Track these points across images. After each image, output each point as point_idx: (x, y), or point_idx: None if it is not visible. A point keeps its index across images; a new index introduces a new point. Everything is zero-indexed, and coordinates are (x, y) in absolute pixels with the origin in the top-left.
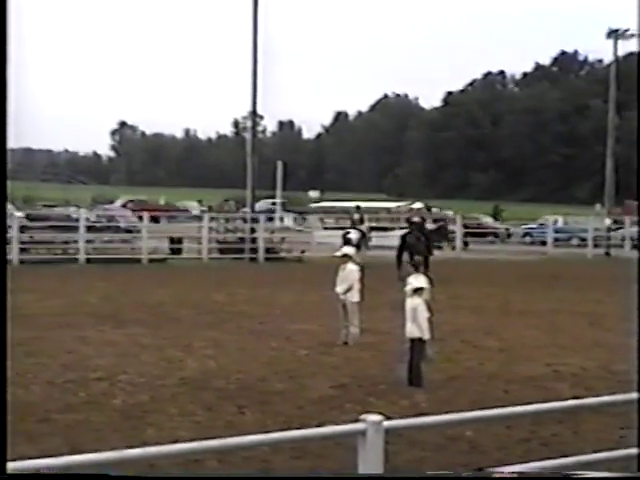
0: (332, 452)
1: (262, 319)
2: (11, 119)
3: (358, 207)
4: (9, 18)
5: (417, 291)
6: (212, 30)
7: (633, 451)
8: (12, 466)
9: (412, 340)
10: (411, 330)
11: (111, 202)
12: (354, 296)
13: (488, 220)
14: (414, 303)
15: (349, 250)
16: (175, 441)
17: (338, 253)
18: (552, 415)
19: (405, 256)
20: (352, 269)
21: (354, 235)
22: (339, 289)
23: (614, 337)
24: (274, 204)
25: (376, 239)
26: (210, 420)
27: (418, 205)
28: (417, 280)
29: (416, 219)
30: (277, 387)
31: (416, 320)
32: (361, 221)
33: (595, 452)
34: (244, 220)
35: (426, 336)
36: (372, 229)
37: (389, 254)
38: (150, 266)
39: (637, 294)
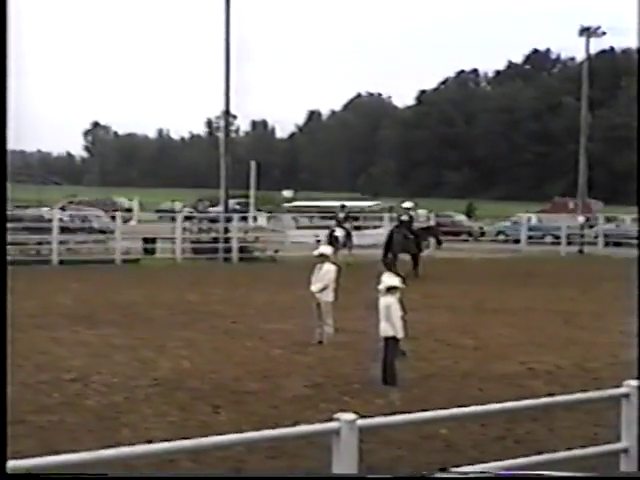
0: (307, 451)
1: (236, 319)
2: None
3: (343, 206)
4: (9, 18)
5: (390, 290)
6: (184, 30)
7: (607, 448)
8: None
9: (386, 339)
10: (385, 329)
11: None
12: (329, 295)
13: (462, 218)
14: (387, 302)
15: (326, 249)
16: (149, 441)
17: (316, 252)
18: (527, 413)
19: (390, 254)
20: (329, 269)
21: (340, 233)
22: (314, 288)
23: (588, 335)
24: (240, 204)
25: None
26: (184, 420)
27: (408, 204)
28: (390, 279)
29: (404, 217)
30: (251, 387)
31: (390, 319)
32: (346, 220)
33: (569, 449)
34: (214, 220)
35: (400, 335)
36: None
37: (363, 253)
38: (124, 267)
39: (637, 293)
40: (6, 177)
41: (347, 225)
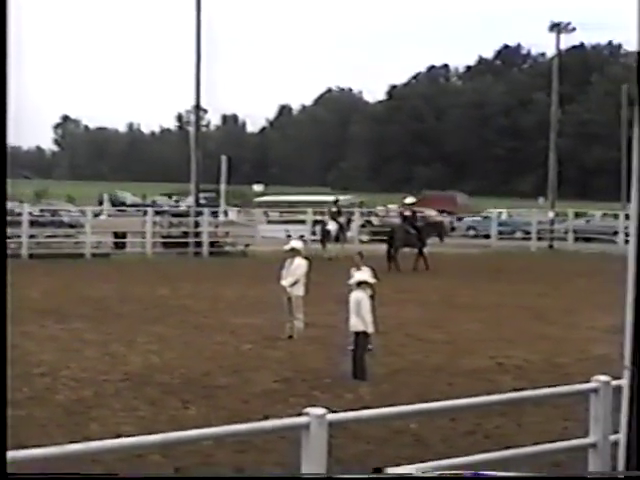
0: (276, 446)
1: (206, 313)
2: None
3: (337, 200)
4: (9, 18)
5: (361, 284)
6: (155, 24)
7: (575, 443)
8: None
9: (356, 333)
10: (355, 323)
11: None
12: (299, 290)
13: (432, 213)
14: (358, 296)
15: (297, 244)
16: (118, 436)
17: (287, 247)
18: (496, 408)
19: (393, 248)
20: (300, 263)
21: (332, 227)
22: (285, 282)
23: (558, 330)
24: (209, 199)
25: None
26: (154, 415)
27: (410, 200)
28: (361, 273)
29: (407, 212)
30: (221, 381)
31: (360, 313)
32: (339, 214)
33: (538, 444)
34: (184, 215)
35: (370, 329)
36: (317, 222)
37: (331, 247)
38: (93, 261)
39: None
40: (6, 176)
41: (341, 219)
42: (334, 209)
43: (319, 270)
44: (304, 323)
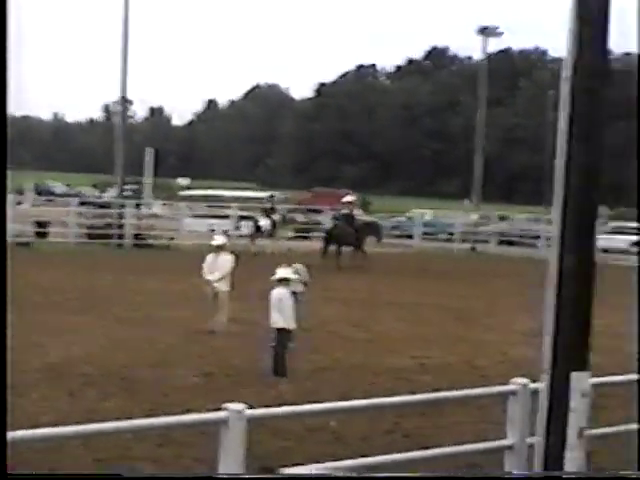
0: (196, 440)
1: (129, 306)
2: None
3: (272, 196)
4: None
5: (283, 281)
6: (82, 12)
7: (493, 444)
8: None
9: (278, 330)
10: (276, 320)
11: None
12: (225, 285)
13: (357, 212)
14: (280, 293)
15: (222, 239)
16: (36, 426)
17: (213, 242)
18: (415, 407)
19: (332, 247)
20: (227, 258)
21: (264, 222)
22: (212, 277)
23: (478, 332)
24: (131, 191)
25: (245, 228)
26: (73, 406)
27: (350, 198)
28: (283, 270)
29: (346, 211)
30: (142, 375)
31: (281, 310)
32: (272, 210)
33: (457, 445)
34: (106, 206)
35: (291, 326)
36: (242, 218)
37: (257, 243)
38: (13, 249)
39: (637, 297)
40: (6, 175)
41: (275, 216)
42: (268, 205)
43: (244, 266)
44: (227, 318)
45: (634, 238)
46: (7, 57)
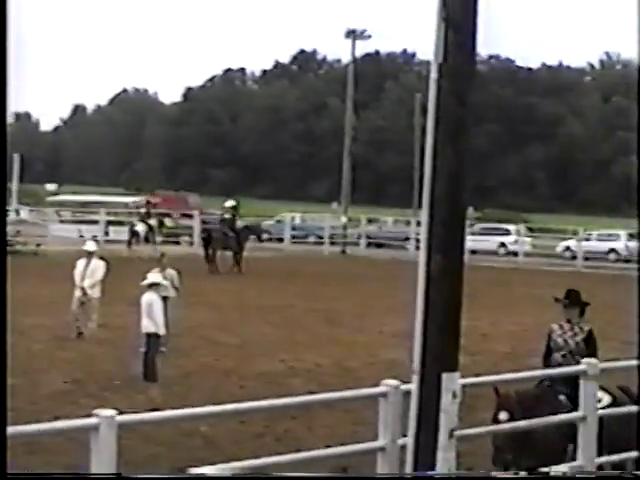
0: (66, 447)
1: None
2: None
3: (148, 202)
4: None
5: (153, 286)
6: None
7: (364, 446)
8: None
9: (148, 335)
10: (147, 325)
11: None
12: (96, 291)
13: (227, 217)
14: (150, 298)
15: (92, 246)
16: None
17: (85, 248)
18: (286, 410)
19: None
20: (99, 264)
21: (141, 228)
22: (86, 284)
23: (348, 334)
24: None
25: (114, 233)
26: None
27: (230, 203)
28: (153, 275)
29: (227, 216)
30: (9, 382)
31: (152, 315)
32: (148, 215)
33: (328, 447)
34: None
35: (162, 331)
36: (110, 223)
37: (125, 248)
38: None
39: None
40: (6, 178)
41: (152, 221)
42: (144, 210)
43: (117, 271)
44: (97, 324)
45: (502, 239)
46: (7, 56)
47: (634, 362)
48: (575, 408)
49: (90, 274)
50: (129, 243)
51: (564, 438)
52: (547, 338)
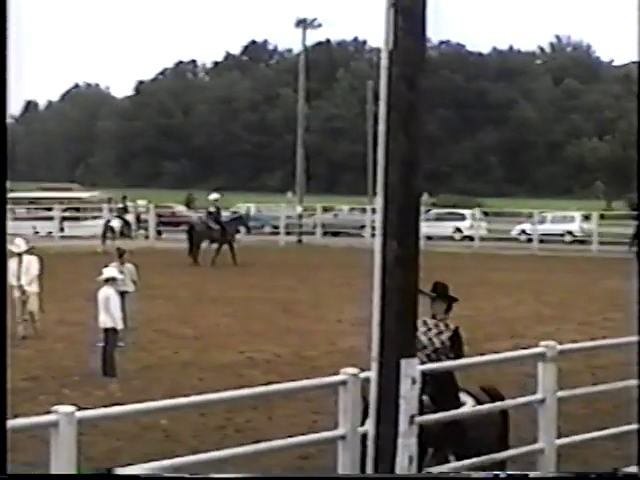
0: (26, 445)
1: None
2: None
3: (124, 197)
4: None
5: (109, 281)
6: None
7: (325, 435)
8: None
9: (105, 330)
10: (104, 320)
11: None
12: (35, 287)
13: (182, 209)
14: (107, 293)
15: (21, 244)
16: None
17: (14, 249)
18: (246, 402)
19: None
20: (31, 260)
21: (116, 223)
22: (23, 281)
23: (307, 323)
24: None
25: (69, 229)
26: None
27: (214, 196)
28: (109, 270)
29: (212, 209)
30: None
31: (108, 310)
32: (125, 210)
33: (289, 437)
34: None
35: (119, 326)
36: (65, 219)
37: (82, 244)
38: None
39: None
40: (6, 177)
41: (128, 216)
42: (120, 205)
43: (76, 266)
44: (39, 321)
45: (457, 224)
46: (7, 56)
47: (590, 343)
48: (438, 409)
49: (25, 271)
50: (104, 238)
51: (425, 442)
52: None
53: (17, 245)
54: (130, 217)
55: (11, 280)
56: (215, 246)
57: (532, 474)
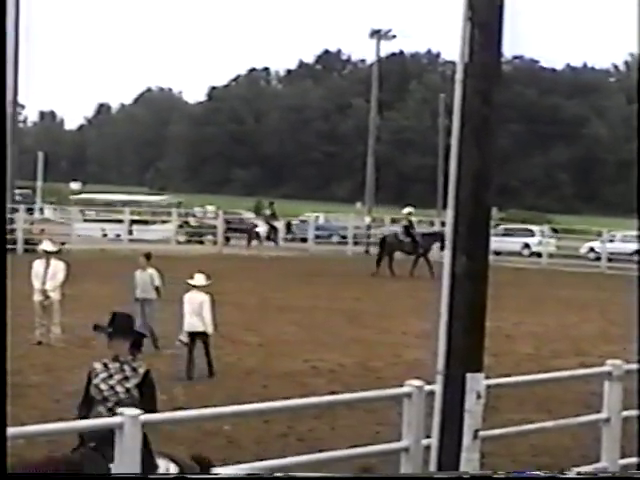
0: None
1: (19, 311)
2: None
3: (272, 203)
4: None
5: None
6: None
7: (388, 446)
8: None
9: (193, 333)
10: (194, 323)
11: None
12: (57, 294)
13: (250, 216)
14: (201, 298)
15: (49, 246)
16: None
17: (42, 248)
18: (309, 410)
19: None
20: (59, 266)
21: (262, 229)
22: (48, 286)
23: (372, 334)
24: (21, 196)
25: (137, 232)
26: None
27: (408, 210)
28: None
29: (404, 222)
30: (33, 380)
31: (201, 314)
32: (273, 216)
33: (351, 447)
34: None
35: (210, 330)
36: (134, 222)
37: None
38: None
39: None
40: (6, 177)
41: (276, 222)
42: (268, 212)
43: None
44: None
45: (526, 240)
46: (6, 57)
47: None
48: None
49: (51, 276)
50: (248, 242)
51: None
52: (87, 381)
53: (45, 246)
54: (279, 224)
55: (34, 282)
56: (402, 257)
57: (542, 473)
